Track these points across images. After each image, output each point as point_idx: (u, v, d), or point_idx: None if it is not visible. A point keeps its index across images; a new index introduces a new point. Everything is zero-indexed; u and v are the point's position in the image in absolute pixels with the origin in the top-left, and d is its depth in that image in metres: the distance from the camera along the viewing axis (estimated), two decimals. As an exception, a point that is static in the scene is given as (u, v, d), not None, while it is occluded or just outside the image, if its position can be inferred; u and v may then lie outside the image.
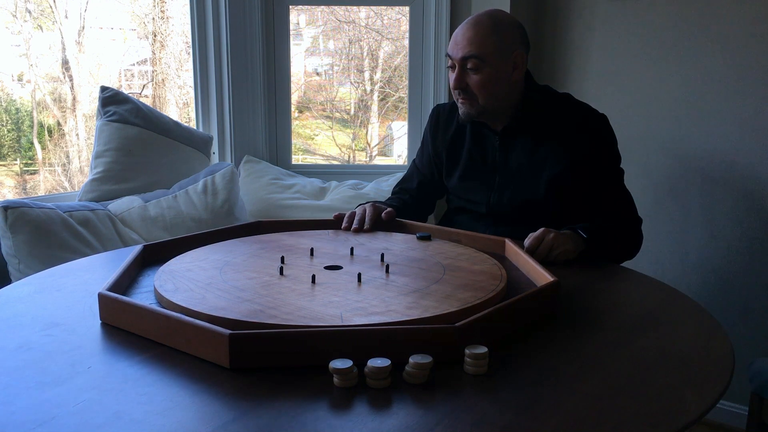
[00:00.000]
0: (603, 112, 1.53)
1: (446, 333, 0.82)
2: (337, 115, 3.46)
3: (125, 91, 2.73)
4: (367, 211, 1.51)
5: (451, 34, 2.38)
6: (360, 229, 1.46)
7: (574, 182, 1.48)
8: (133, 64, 3.70)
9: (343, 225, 1.49)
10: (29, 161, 3.51)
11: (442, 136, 1.65)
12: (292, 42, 2.49)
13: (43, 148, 3.48)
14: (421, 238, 1.38)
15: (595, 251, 1.36)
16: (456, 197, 1.65)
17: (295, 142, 2.83)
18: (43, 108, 3.44)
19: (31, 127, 3.44)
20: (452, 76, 1.47)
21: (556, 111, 1.52)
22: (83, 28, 3.35)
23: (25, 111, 3.43)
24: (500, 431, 0.68)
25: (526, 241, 1.32)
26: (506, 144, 1.54)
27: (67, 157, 3.50)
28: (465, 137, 1.61)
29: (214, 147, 2.40)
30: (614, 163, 1.51)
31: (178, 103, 3.61)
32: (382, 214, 1.52)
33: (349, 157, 3.61)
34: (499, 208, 1.54)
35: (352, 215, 1.51)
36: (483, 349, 0.81)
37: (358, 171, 2.57)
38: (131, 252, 1.19)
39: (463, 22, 1.47)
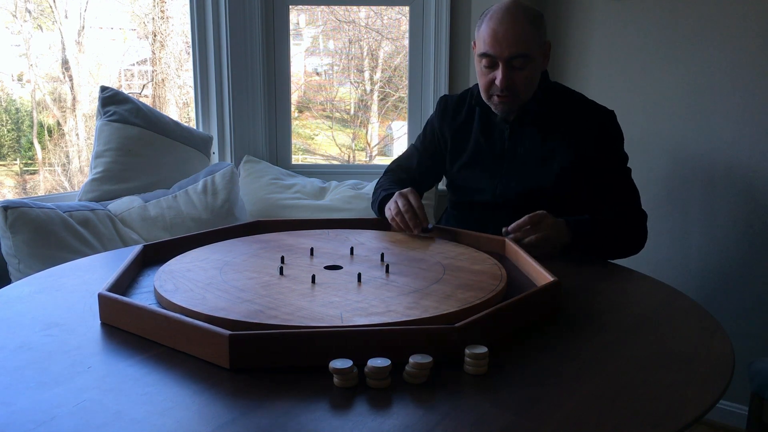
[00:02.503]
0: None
1: (446, 333, 0.82)
2: (337, 115, 3.46)
3: (125, 91, 2.73)
4: (413, 201, 1.41)
5: (451, 34, 2.38)
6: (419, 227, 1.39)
7: (581, 174, 1.49)
8: (133, 64, 3.70)
9: (396, 226, 1.43)
10: (29, 161, 3.51)
11: (449, 123, 1.65)
12: (292, 42, 2.49)
13: (43, 148, 3.48)
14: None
15: (583, 248, 1.38)
16: (459, 187, 1.64)
17: (295, 142, 2.83)
18: (43, 108, 3.44)
19: (31, 127, 3.44)
20: (490, 74, 1.45)
21: (567, 105, 1.54)
22: (83, 28, 3.35)
23: (25, 111, 3.44)
24: (500, 431, 0.68)
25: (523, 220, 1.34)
26: (516, 133, 1.54)
27: (67, 157, 3.50)
28: (473, 125, 1.61)
29: (214, 147, 2.40)
30: (622, 159, 1.53)
31: (178, 103, 3.61)
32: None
33: (349, 157, 3.61)
34: (505, 196, 1.53)
35: (401, 214, 1.41)
36: (483, 349, 0.81)
37: (358, 171, 2.57)
38: (131, 252, 1.19)
39: (492, 17, 1.43)
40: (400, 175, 1.68)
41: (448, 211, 1.72)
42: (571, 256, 1.38)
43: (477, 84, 1.57)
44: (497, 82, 1.44)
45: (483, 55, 1.44)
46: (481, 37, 1.45)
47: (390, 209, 1.45)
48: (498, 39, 1.41)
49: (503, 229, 1.36)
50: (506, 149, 1.55)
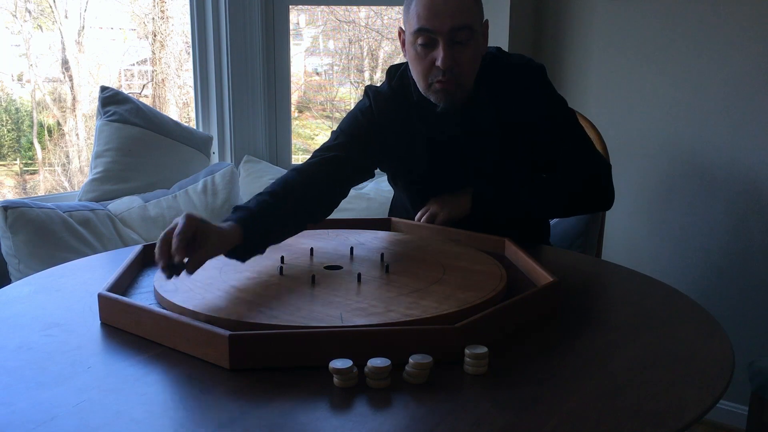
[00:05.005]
0: (543, 64, 1.42)
1: (446, 333, 0.82)
2: (337, 115, 3.46)
3: (125, 91, 2.73)
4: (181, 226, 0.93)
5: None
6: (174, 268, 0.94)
7: (534, 147, 1.39)
8: (133, 64, 3.70)
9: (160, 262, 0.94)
10: (29, 161, 3.51)
11: (387, 122, 1.39)
12: (292, 42, 2.49)
13: (43, 148, 3.48)
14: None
15: (507, 210, 1.36)
16: (417, 198, 1.48)
17: (295, 142, 2.83)
18: (43, 108, 3.44)
19: (31, 127, 3.44)
20: (429, 55, 1.25)
21: (497, 78, 1.36)
22: (83, 28, 3.35)
23: (25, 111, 3.43)
24: (500, 431, 0.68)
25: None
26: (465, 126, 1.37)
27: (67, 157, 3.50)
28: (414, 124, 1.39)
29: (214, 147, 2.40)
30: (565, 113, 1.40)
31: (178, 103, 3.60)
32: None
33: (349, 157, 3.61)
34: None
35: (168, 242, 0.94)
36: (483, 349, 0.81)
37: (358, 171, 2.57)
38: (131, 252, 1.19)
39: None
40: (323, 163, 1.34)
41: (409, 207, 1.53)
42: (569, 255, 1.37)
43: (400, 73, 1.39)
44: (438, 62, 1.23)
45: (419, 31, 1.23)
46: (413, 14, 1.24)
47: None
48: (436, 10, 1.21)
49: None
50: (462, 146, 1.39)
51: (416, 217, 1.44)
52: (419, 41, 1.25)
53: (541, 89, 1.40)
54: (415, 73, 1.31)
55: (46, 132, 3.51)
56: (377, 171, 1.47)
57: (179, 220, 0.94)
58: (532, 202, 1.41)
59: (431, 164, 1.42)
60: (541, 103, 1.39)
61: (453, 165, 1.42)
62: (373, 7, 2.85)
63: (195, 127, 2.40)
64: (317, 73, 3.32)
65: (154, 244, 1.24)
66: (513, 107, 1.37)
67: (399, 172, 1.49)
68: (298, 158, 3.11)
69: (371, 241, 1.35)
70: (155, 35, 3.53)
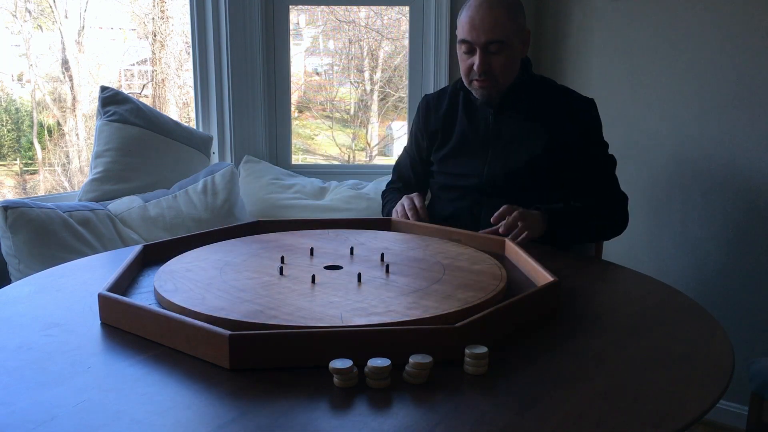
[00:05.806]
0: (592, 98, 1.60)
1: (446, 333, 0.82)
2: (337, 115, 3.46)
3: (125, 91, 2.73)
4: (416, 202, 1.57)
5: (451, 34, 2.38)
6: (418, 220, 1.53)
7: (563, 157, 1.53)
8: (133, 64, 3.70)
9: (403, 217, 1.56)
10: (29, 161, 3.52)
11: (434, 117, 1.69)
12: (292, 42, 2.49)
13: (43, 148, 3.48)
14: None
15: (562, 234, 1.45)
16: (444, 173, 1.66)
17: (295, 142, 2.83)
18: (43, 108, 3.44)
19: (31, 127, 3.45)
20: (469, 59, 1.51)
21: (549, 92, 1.60)
22: (83, 28, 3.35)
23: (25, 111, 3.44)
24: (500, 431, 0.68)
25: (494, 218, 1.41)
26: (500, 117, 1.58)
27: (67, 157, 3.50)
28: (457, 114, 1.65)
29: (214, 147, 2.40)
30: (602, 145, 1.59)
31: (178, 103, 3.61)
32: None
33: (349, 157, 3.61)
34: (492, 179, 1.56)
35: (406, 215, 1.56)
36: (483, 349, 0.81)
37: (358, 171, 2.57)
38: (131, 252, 1.19)
39: (471, 5, 1.49)
40: (401, 187, 1.78)
41: (435, 195, 1.73)
42: (569, 256, 1.38)
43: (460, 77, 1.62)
44: (475, 67, 1.49)
45: (462, 41, 1.51)
46: (460, 24, 1.51)
47: (397, 211, 1.59)
48: (474, 26, 1.46)
49: (492, 219, 1.42)
50: (491, 133, 1.58)
51: (493, 219, 1.41)
52: (462, 48, 1.52)
53: (584, 109, 1.57)
54: (461, 71, 1.57)
55: (46, 132, 3.51)
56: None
57: (406, 202, 1.58)
58: (584, 230, 1.53)
59: (459, 143, 1.62)
60: (578, 124, 1.55)
61: (475, 146, 1.60)
62: (373, 7, 2.85)
63: (195, 127, 2.40)
64: (317, 73, 3.32)
65: (154, 245, 1.26)
66: (554, 119, 1.55)
67: (440, 142, 1.67)
68: (299, 158, 3.11)
69: (371, 241, 1.35)
70: (155, 35, 3.54)
